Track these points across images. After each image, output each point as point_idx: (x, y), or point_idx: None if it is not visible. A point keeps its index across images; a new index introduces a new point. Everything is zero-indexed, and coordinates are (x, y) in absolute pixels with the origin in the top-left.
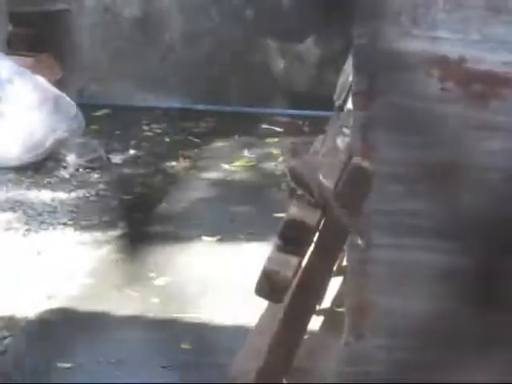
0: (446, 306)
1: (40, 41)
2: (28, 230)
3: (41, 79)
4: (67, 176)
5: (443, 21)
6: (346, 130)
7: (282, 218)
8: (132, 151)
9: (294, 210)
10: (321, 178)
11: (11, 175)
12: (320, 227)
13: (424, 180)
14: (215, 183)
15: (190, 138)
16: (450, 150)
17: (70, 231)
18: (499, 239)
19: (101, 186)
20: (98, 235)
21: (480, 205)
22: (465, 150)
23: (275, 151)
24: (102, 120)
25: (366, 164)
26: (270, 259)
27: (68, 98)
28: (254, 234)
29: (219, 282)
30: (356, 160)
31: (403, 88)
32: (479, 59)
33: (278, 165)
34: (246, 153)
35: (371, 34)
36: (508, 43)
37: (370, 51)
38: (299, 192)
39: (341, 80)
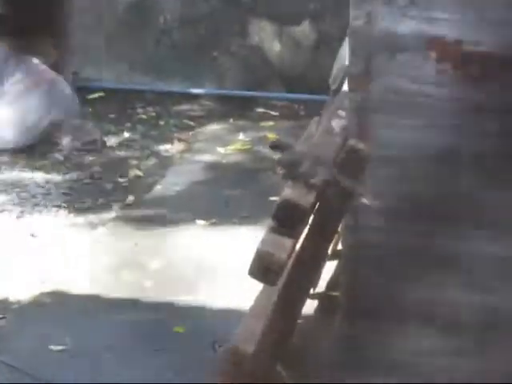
0: (441, 290)
1: (35, 23)
2: (22, 212)
3: (35, 62)
4: (62, 158)
5: (440, 1)
6: (342, 112)
7: (276, 201)
8: (127, 134)
9: (289, 192)
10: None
11: (5, 158)
12: (315, 209)
13: (419, 163)
14: (210, 166)
15: (185, 121)
16: (445, 133)
17: (64, 213)
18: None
19: (95, 168)
20: (92, 218)
21: (474, 188)
22: (460, 132)
23: (270, 135)
24: (97, 103)
25: (361, 146)
26: (264, 241)
27: (63, 81)
28: (248, 217)
29: (213, 265)
30: (351, 142)
31: (399, 70)
32: (476, 41)
33: None
34: (241, 136)
35: (367, 15)
36: (505, 24)
37: (367, 33)
38: (293, 175)
39: (336, 64)
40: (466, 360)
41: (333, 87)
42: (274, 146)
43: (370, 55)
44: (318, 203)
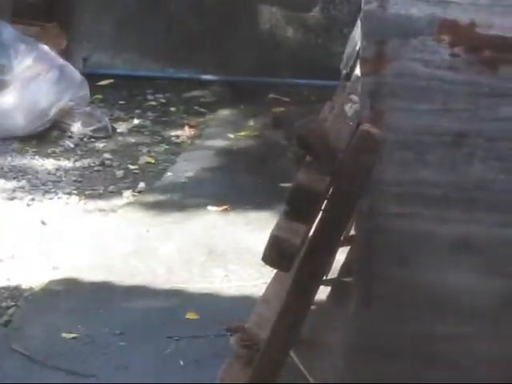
0: (456, 276)
1: (45, 10)
2: (32, 199)
3: (46, 48)
4: (72, 145)
5: None
6: (355, 97)
7: (288, 187)
8: (137, 120)
9: (303, 177)
10: (331, 144)
11: (16, 145)
12: (328, 194)
13: (433, 148)
14: (221, 152)
15: (196, 107)
16: (458, 117)
17: (74, 200)
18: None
19: (105, 155)
20: (103, 204)
21: (489, 174)
22: (474, 117)
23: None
24: (107, 89)
25: (374, 131)
26: (277, 226)
27: (73, 68)
28: (260, 203)
29: (226, 251)
30: (365, 126)
31: (412, 54)
32: (489, 24)
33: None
34: (251, 122)
35: None
36: None
37: (379, 16)
38: (307, 159)
39: (348, 49)
40: (483, 345)
41: (344, 71)
42: (276, 125)
43: (383, 39)
44: (331, 188)
